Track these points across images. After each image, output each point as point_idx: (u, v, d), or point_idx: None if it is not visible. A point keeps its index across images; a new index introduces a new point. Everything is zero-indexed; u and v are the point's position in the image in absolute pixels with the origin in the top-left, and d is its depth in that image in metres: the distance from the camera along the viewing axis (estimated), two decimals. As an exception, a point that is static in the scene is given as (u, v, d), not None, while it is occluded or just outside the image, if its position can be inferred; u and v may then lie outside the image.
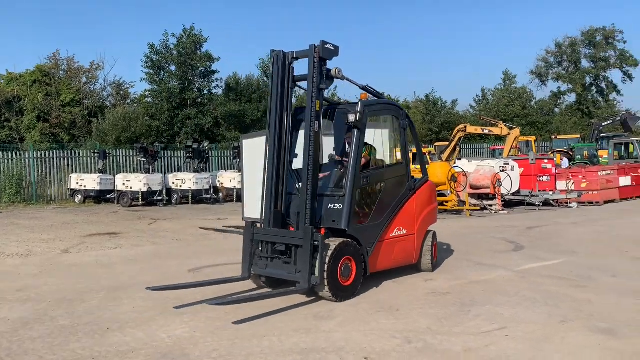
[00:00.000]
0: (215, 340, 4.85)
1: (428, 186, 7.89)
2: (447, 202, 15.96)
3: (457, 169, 16.22)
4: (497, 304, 5.89)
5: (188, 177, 21.79)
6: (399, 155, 7.75)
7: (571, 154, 29.35)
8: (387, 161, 7.94)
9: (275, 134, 6.48)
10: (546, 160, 18.89)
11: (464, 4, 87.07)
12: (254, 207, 15.28)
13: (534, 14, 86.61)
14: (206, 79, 31.45)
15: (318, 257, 5.92)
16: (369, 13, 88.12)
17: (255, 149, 15.63)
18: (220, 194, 22.88)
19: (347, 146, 7.06)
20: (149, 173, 21.46)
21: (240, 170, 23.12)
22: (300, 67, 6.57)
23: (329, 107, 7.11)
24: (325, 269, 5.90)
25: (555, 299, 6.03)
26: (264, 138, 14.80)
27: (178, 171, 25.03)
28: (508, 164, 17.56)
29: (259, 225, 6.69)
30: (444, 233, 11.44)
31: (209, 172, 24.60)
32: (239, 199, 22.57)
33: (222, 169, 26.24)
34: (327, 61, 6.37)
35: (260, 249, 6.54)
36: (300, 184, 6.40)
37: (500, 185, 16.36)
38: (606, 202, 17.94)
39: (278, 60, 6.45)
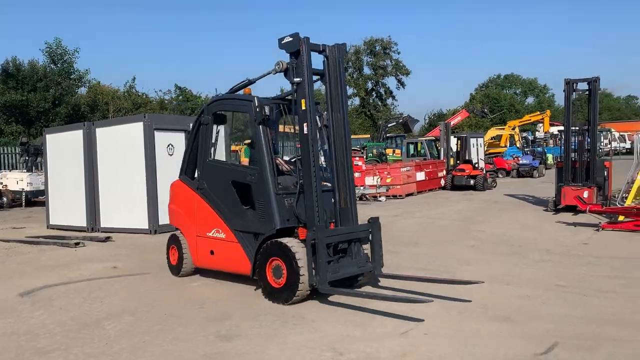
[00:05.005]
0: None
1: None
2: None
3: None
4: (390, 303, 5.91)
5: (-38, 178, 18.11)
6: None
7: (363, 152, 31.96)
8: None
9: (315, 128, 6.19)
10: (357, 158, 20.17)
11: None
12: (61, 212, 13.42)
13: (326, 20, 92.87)
14: (-25, 63, 26.54)
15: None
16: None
17: (62, 146, 13.65)
18: (4, 198, 19.50)
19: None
20: None
21: (28, 170, 20.08)
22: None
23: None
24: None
25: (444, 290, 6.16)
26: (74, 133, 13.37)
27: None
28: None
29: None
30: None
31: (-13, 172, 20.81)
32: (29, 203, 19.56)
33: (3, 169, 22.41)
34: None
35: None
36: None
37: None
38: (407, 195, 19.85)
39: (306, 46, 5.96)
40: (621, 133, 45.02)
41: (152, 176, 11.47)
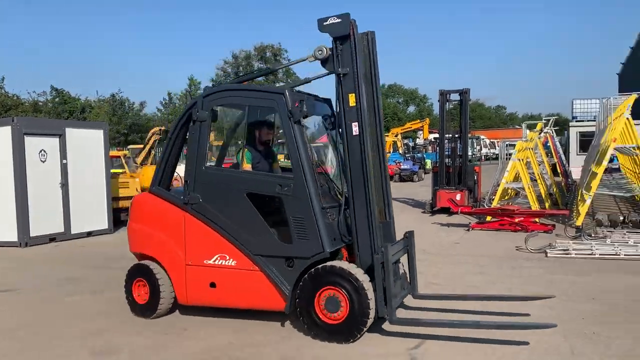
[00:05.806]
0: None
1: None
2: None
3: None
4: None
5: None
6: None
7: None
8: None
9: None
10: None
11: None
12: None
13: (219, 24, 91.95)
14: None
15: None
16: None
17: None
18: None
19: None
20: None
21: None
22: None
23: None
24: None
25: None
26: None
27: None
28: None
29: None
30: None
31: None
32: None
33: None
34: None
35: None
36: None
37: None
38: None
39: (356, 30, 5.05)
40: (491, 140, 49.03)
41: (22, 185, 10.65)
